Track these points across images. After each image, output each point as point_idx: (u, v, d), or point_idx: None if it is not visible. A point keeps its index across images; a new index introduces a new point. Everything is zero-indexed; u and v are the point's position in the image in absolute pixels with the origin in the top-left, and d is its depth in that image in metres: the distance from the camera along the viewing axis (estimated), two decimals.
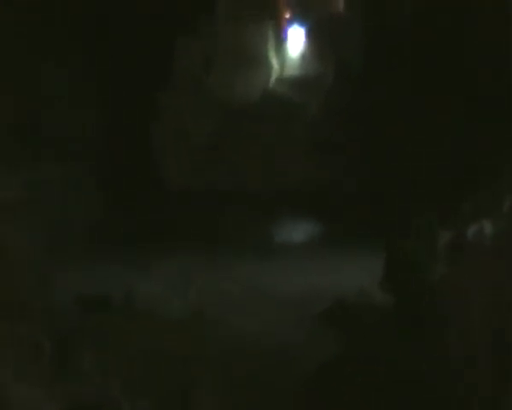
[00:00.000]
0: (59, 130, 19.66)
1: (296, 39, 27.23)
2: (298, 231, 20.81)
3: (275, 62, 27.06)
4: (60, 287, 14.34)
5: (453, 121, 18.08)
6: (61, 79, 19.73)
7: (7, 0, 17.38)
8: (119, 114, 21.58)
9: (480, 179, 11.85)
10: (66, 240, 17.07)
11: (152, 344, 12.75)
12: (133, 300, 15.04)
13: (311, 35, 26.73)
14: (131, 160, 21.56)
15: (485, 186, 10.59)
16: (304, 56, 26.86)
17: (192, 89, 26.20)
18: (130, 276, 16.01)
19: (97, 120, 21.25)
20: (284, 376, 11.69)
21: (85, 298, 14.75)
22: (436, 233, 11.40)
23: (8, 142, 16.98)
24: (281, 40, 27.54)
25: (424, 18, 21.33)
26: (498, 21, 16.14)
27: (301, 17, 27.33)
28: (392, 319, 12.12)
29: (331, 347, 12.46)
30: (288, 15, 27.62)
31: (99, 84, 20.80)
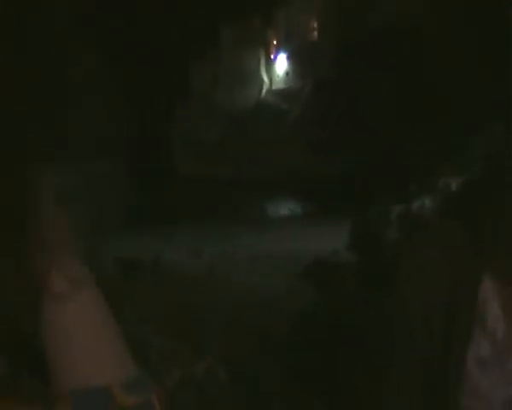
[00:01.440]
0: (101, 130, 19.61)
1: (282, 61, 27.17)
2: (285, 209, 20.80)
3: (266, 79, 26.98)
4: (104, 254, 14.36)
5: (405, 125, 18.02)
6: (104, 96, 19.68)
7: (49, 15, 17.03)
8: (147, 119, 21.56)
9: (421, 167, 11.87)
10: (110, 218, 17.07)
11: (174, 295, 12.75)
12: (160, 262, 15.05)
13: (294, 57, 26.65)
14: (156, 155, 21.55)
15: (426, 172, 10.60)
16: (288, 74, 26.78)
17: (202, 100, 26.12)
18: (157, 244, 16.00)
19: (130, 125, 21.23)
20: (275, 318, 11.69)
21: (124, 261, 14.75)
22: (390, 208, 11.41)
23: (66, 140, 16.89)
24: (270, 62, 27.48)
25: (381, 42, 21.23)
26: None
27: (286, 44, 27.24)
28: (358, 273, 12.10)
29: (311, 295, 12.45)
30: (275, 43, 27.53)
31: (133, 98, 20.76)
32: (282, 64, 27.47)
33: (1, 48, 0.69)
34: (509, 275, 1.05)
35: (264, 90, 27.04)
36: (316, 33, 26.62)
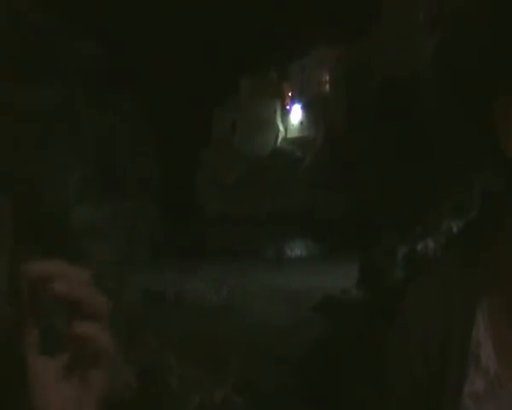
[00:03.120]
0: (129, 173, 19.67)
1: (296, 111, 27.31)
2: (299, 247, 20.79)
3: (281, 127, 27.11)
4: (132, 286, 14.33)
5: (409, 171, 18.03)
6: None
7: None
8: (173, 162, 21.71)
9: (424, 212, 11.86)
10: (138, 253, 17.09)
11: (195, 326, 12.73)
12: (182, 295, 15.05)
13: (307, 108, 26.79)
14: (181, 196, 21.65)
15: (429, 217, 10.60)
16: (302, 123, 26.91)
17: (223, 145, 26.25)
18: (181, 279, 16.02)
19: (157, 167, 21.34)
20: (289, 349, 11.65)
21: (150, 293, 14.78)
22: (396, 248, 11.38)
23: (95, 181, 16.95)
24: (285, 111, 27.63)
25: (386, 94, 21.32)
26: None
27: (300, 96, 27.40)
28: (365, 309, 12.04)
29: (321, 329, 12.42)
30: (290, 94, 27.72)
31: (163, 144, 20.97)
32: (296, 114, 27.61)
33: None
34: (500, 317, 1.08)
35: (279, 138, 27.17)
36: (328, 86, 26.79)
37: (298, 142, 26.32)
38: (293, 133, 27.15)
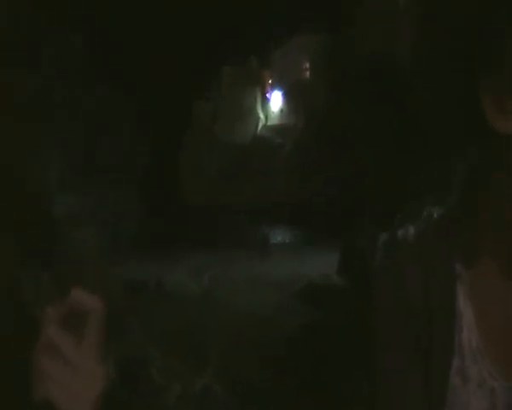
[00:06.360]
0: (112, 162, 19.61)
1: (276, 98, 27.28)
2: (281, 235, 20.78)
3: (261, 115, 27.09)
4: (114, 275, 14.28)
5: (390, 158, 18.06)
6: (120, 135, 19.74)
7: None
8: (155, 152, 21.61)
9: (406, 198, 11.88)
10: (120, 244, 17.03)
11: (175, 316, 12.70)
12: (164, 284, 15.01)
13: (287, 95, 26.79)
14: (163, 185, 21.55)
15: (410, 203, 10.60)
16: (282, 110, 26.90)
17: (204, 133, 26.22)
18: (161, 268, 15.96)
19: (139, 157, 21.27)
20: (271, 336, 11.66)
21: (130, 283, 14.71)
22: (377, 234, 11.39)
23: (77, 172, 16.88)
24: (266, 99, 27.60)
25: (367, 81, 21.31)
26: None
27: (279, 83, 27.39)
28: (346, 295, 12.10)
29: (304, 314, 12.44)
30: (270, 82, 27.69)
31: (142, 132, 20.86)
32: (276, 101, 27.54)
33: None
34: (480, 289, 1.08)
35: (260, 126, 27.12)
36: (308, 73, 26.76)
37: (278, 129, 26.31)
38: (273, 121, 27.12)
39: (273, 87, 27.96)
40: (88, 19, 16.39)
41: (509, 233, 1.04)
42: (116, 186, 19.13)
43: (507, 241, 1.05)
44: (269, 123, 27.16)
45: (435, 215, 1.22)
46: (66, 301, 0.90)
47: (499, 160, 1.03)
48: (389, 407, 1.10)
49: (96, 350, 0.94)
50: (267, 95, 27.98)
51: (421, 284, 1.14)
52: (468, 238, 1.10)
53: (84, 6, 15.50)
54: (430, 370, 1.06)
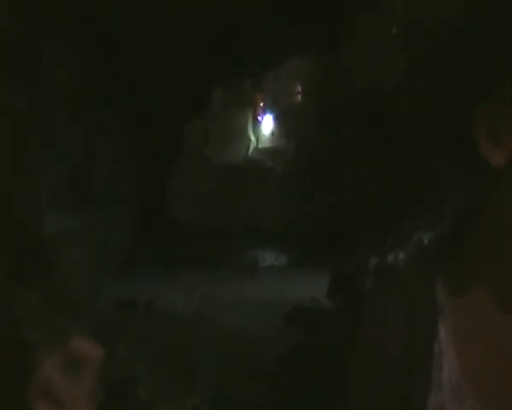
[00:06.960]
0: (102, 184, 19.60)
1: (268, 121, 27.38)
2: (271, 257, 20.79)
3: (253, 137, 27.17)
4: (103, 294, 14.26)
5: (381, 183, 18.11)
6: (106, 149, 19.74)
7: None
8: (147, 172, 21.64)
9: (396, 223, 11.94)
10: (109, 263, 17.01)
11: (166, 335, 12.67)
12: (154, 304, 14.98)
13: (279, 118, 26.87)
14: (154, 205, 21.56)
15: (401, 229, 10.67)
16: (273, 133, 26.99)
17: (196, 154, 26.24)
18: (152, 287, 15.94)
19: (130, 176, 21.27)
20: (260, 358, 11.65)
21: (121, 301, 14.68)
22: (367, 259, 11.43)
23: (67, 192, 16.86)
24: (257, 122, 27.69)
25: (357, 107, 21.40)
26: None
27: (271, 106, 27.49)
28: (334, 319, 12.08)
29: (292, 338, 12.43)
30: (262, 104, 27.79)
31: (134, 153, 20.89)
32: (268, 124, 27.64)
33: None
34: (463, 326, 1.07)
35: (251, 148, 27.20)
36: (300, 97, 26.89)
37: (269, 152, 26.38)
38: (264, 143, 27.19)
39: (265, 110, 28.07)
40: (71, 45, 16.40)
41: (506, 260, 1.01)
42: (106, 207, 19.14)
43: (502, 268, 1.01)
44: (260, 145, 27.22)
45: (425, 241, 1.22)
46: (66, 348, 0.88)
47: (494, 190, 1.01)
48: None
49: (91, 395, 0.95)
50: (259, 117, 28.08)
51: (404, 322, 1.13)
52: (457, 266, 1.09)
53: (65, 34, 15.45)
54: (408, 405, 1.06)
